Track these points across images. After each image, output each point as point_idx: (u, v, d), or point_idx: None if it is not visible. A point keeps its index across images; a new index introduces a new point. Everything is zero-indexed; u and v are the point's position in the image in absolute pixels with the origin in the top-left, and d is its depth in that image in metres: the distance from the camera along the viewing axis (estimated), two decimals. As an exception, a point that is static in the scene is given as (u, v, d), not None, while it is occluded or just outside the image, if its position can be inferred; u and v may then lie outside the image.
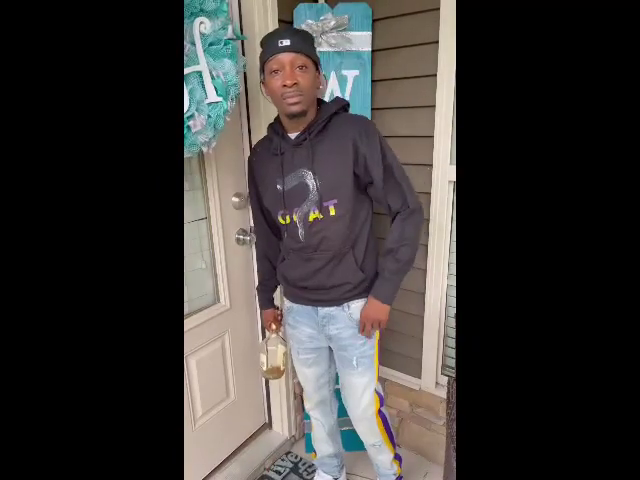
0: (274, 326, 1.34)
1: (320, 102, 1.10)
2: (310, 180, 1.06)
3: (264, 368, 1.35)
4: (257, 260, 1.37)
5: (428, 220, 1.43)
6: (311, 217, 1.08)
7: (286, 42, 0.97)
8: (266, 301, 1.37)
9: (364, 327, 1.16)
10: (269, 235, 1.28)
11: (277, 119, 1.12)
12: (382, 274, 1.13)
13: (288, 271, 1.21)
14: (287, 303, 1.28)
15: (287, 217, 1.12)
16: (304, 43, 1.00)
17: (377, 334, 1.22)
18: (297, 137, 1.07)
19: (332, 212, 1.07)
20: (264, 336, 1.69)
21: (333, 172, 1.05)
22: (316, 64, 1.04)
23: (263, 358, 1.34)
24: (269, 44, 1.00)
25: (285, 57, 0.98)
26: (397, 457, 1.42)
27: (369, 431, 1.31)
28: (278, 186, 1.10)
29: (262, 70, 1.04)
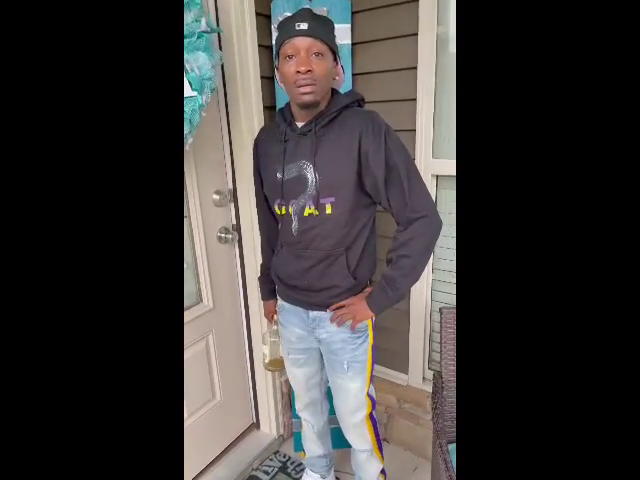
0: (276, 317, 1.29)
1: (334, 93, 1.06)
2: (310, 173, 1.01)
3: (266, 360, 1.32)
4: (261, 249, 1.33)
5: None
6: (306, 212, 1.04)
7: (304, 26, 0.92)
8: (267, 292, 1.31)
9: (339, 312, 1.09)
10: (271, 222, 1.23)
11: (288, 105, 1.08)
12: (380, 281, 1.06)
13: (279, 268, 1.17)
14: (279, 301, 1.25)
15: (283, 208, 1.08)
16: (323, 29, 0.95)
17: (370, 339, 1.16)
18: (303, 126, 1.03)
19: (328, 210, 1.02)
20: (250, 335, 1.67)
21: (334, 168, 1.00)
22: (334, 53, 0.99)
23: (265, 350, 1.32)
24: (286, 27, 0.95)
25: (301, 42, 0.93)
26: (383, 472, 1.38)
27: (359, 436, 1.28)
28: (278, 174, 1.07)
29: (277, 55, 0.99)
